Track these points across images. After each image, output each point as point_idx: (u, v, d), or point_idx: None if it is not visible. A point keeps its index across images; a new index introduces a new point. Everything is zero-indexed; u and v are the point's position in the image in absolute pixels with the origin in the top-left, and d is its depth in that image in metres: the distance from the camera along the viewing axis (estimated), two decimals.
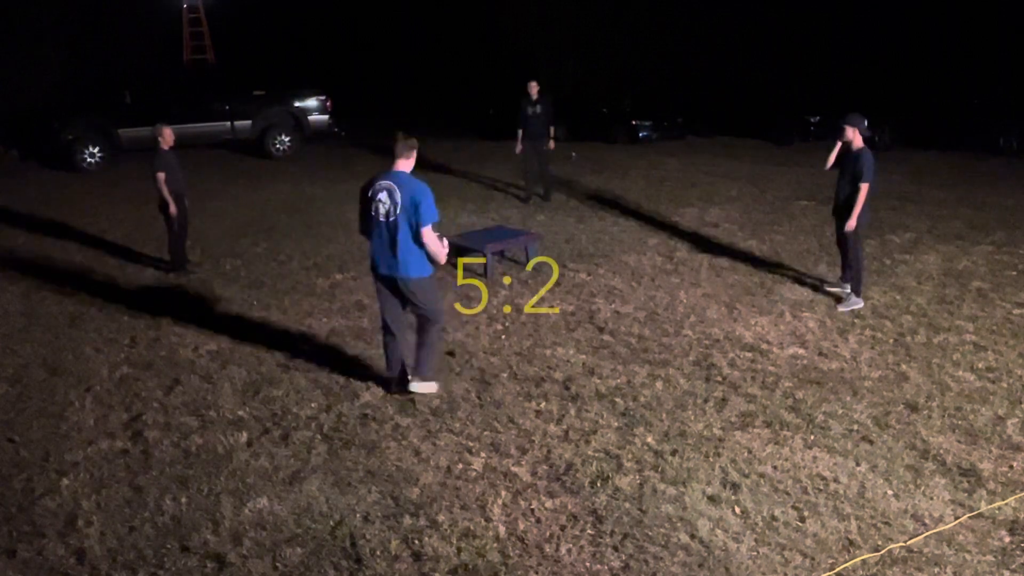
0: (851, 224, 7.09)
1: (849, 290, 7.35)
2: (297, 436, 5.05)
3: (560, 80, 21.59)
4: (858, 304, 7.18)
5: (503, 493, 4.38)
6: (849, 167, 7.15)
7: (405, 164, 5.24)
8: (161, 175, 8.35)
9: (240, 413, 5.38)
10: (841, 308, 7.16)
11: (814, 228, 10.19)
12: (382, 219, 5.20)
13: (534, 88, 12.05)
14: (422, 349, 5.49)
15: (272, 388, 5.76)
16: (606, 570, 3.75)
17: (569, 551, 3.89)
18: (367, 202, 5.30)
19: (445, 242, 5.34)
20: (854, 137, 7.11)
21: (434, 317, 5.44)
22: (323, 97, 18.03)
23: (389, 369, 5.60)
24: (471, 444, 4.93)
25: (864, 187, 7.00)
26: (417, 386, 5.51)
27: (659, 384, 5.73)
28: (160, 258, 9.01)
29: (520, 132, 12.10)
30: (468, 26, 26.84)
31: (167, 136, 8.49)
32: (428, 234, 5.14)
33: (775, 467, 4.61)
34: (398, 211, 5.12)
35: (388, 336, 5.52)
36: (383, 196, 5.18)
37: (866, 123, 7.17)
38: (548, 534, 4.02)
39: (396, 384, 5.58)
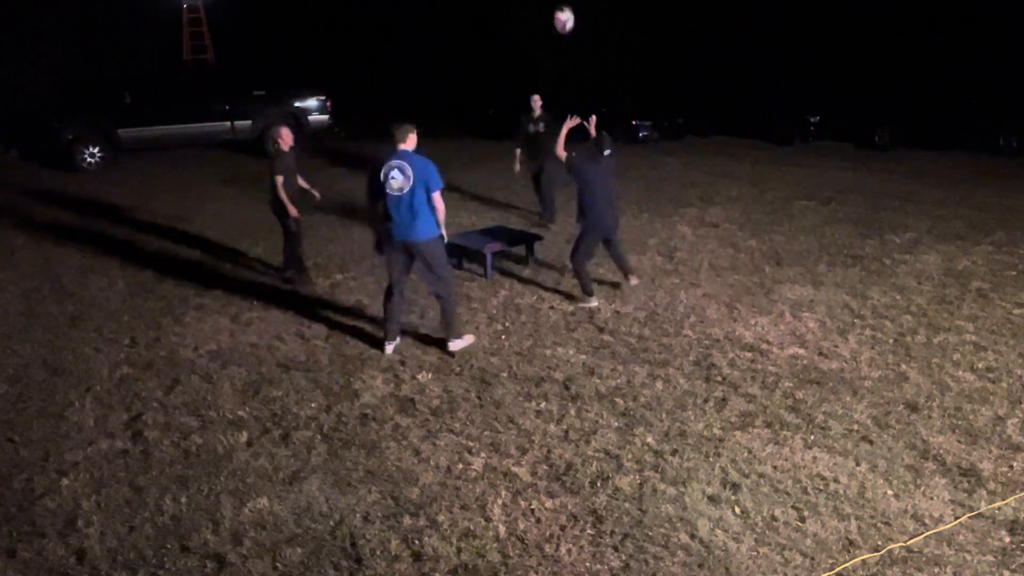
0: None
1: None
2: (297, 436, 5.05)
3: (560, 80, 21.56)
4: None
5: (503, 493, 4.38)
6: None
7: (408, 145, 6.00)
8: (279, 178, 7.91)
9: (240, 413, 5.38)
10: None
11: (814, 228, 10.19)
12: (397, 193, 5.93)
13: (538, 102, 10.69)
14: (444, 315, 6.29)
15: (272, 388, 5.76)
16: (606, 570, 3.75)
17: (569, 551, 3.89)
18: (378, 180, 6.00)
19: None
20: None
21: (444, 281, 6.17)
22: (323, 97, 18.02)
23: (387, 335, 6.33)
24: (471, 444, 4.93)
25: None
26: (453, 344, 6.28)
27: (659, 384, 5.73)
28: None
29: (518, 151, 10.63)
30: (468, 26, 26.83)
31: (285, 137, 7.99)
32: (438, 198, 5.99)
33: (775, 467, 4.61)
34: (412, 183, 5.89)
35: (390, 303, 6.25)
36: (395, 173, 5.92)
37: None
38: (548, 534, 4.02)
39: (395, 348, 6.31)
